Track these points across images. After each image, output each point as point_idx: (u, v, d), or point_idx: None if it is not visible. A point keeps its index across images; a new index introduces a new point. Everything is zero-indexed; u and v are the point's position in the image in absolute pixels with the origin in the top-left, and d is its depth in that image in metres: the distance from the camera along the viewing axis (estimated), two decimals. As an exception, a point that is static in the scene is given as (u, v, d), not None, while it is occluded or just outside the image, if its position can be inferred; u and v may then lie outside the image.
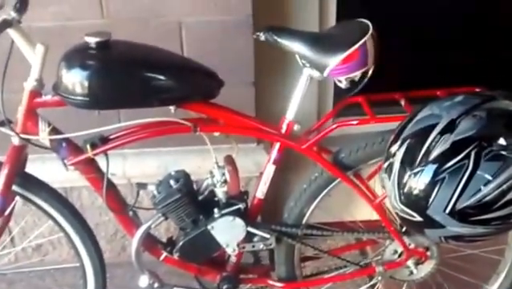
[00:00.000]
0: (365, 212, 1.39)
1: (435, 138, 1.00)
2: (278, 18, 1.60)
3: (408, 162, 1.02)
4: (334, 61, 1.09)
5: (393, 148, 1.06)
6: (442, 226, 1.02)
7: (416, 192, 1.01)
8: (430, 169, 0.99)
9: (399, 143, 1.05)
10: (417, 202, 1.02)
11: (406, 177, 1.02)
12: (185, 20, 1.53)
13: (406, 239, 1.29)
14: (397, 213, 1.09)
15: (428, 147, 1.00)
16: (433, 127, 1.01)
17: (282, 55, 1.63)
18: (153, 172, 1.59)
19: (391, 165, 1.06)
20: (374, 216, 1.33)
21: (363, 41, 1.08)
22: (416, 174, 1.01)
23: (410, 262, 1.31)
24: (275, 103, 1.65)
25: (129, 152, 1.62)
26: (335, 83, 1.75)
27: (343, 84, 1.13)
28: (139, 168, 1.64)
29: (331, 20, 1.71)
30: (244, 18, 1.52)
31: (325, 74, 1.11)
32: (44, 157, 1.35)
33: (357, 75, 1.12)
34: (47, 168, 1.39)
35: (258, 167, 1.67)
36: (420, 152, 1.00)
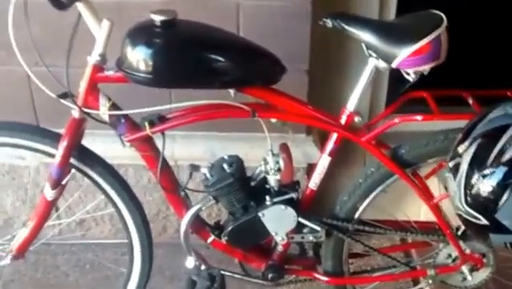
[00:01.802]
0: (414, 212, 1.35)
1: (509, 139, 0.95)
2: (337, 5, 1.56)
3: (478, 163, 0.97)
4: (405, 52, 1.04)
5: (461, 148, 1.01)
6: (510, 232, 0.98)
7: (484, 194, 0.97)
8: (502, 172, 0.95)
9: (468, 142, 1.00)
10: (485, 205, 0.98)
11: (474, 178, 0.98)
12: (244, 3, 1.51)
13: (462, 244, 1.24)
14: (460, 215, 1.04)
15: (502, 148, 0.95)
16: (507, 127, 0.96)
17: (337, 45, 1.61)
18: (200, 156, 1.59)
19: (457, 165, 1.01)
20: (423, 217, 1.28)
21: (438, 32, 1.03)
22: (485, 176, 0.96)
23: (465, 268, 1.26)
24: (328, 93, 1.62)
25: (178, 135, 1.62)
26: (389, 76, 1.75)
27: (411, 77, 1.09)
28: (186, 151, 1.64)
29: (392, 10, 1.65)
30: (303, 5, 1.49)
31: (394, 65, 1.07)
32: (93, 133, 1.36)
33: (426, 68, 1.07)
34: (97, 145, 1.40)
35: (307, 158, 1.65)
36: (492, 153, 0.96)
